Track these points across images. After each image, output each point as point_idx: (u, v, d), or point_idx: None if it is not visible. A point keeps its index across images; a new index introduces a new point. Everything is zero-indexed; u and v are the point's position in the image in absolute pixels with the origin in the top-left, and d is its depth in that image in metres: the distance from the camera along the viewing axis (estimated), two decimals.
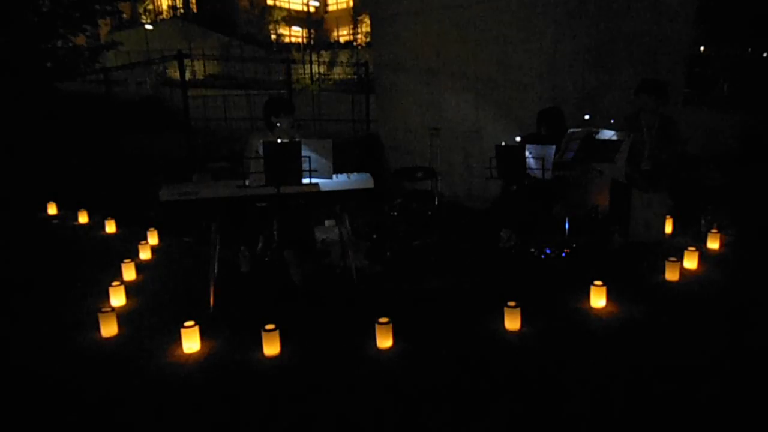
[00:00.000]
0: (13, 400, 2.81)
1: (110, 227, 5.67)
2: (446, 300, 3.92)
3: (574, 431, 2.50)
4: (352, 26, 33.86)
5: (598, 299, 3.62)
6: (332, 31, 36.66)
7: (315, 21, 36.31)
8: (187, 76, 9.83)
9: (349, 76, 19.78)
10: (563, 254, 4.58)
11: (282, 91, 11.40)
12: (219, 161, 6.49)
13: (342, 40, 34.16)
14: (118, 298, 3.87)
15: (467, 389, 2.78)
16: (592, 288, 3.63)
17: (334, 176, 3.77)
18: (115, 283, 3.90)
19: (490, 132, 6.47)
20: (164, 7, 34.66)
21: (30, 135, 7.76)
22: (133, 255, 4.72)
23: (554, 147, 4.27)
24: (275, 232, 3.98)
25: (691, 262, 4.25)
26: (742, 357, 3.02)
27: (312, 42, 33.47)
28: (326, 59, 24.51)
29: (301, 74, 19.15)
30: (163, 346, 3.22)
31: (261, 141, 3.48)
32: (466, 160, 6.93)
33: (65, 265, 4.82)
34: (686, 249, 4.29)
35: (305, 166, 3.49)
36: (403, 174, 5.89)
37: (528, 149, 4.36)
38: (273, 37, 33.25)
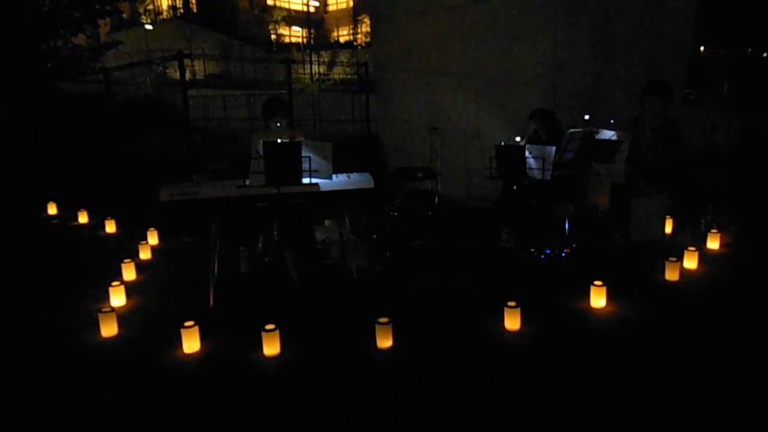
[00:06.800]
0: (13, 401, 2.80)
1: (110, 227, 5.68)
2: (446, 300, 3.91)
3: (574, 431, 2.50)
4: (352, 26, 33.82)
5: (598, 299, 3.62)
6: (332, 31, 36.61)
7: (315, 21, 36.29)
8: (187, 76, 9.82)
9: (349, 76, 19.75)
10: (563, 254, 4.59)
11: (282, 92, 11.41)
12: (219, 161, 6.50)
13: (342, 40, 34.09)
14: (118, 298, 3.87)
15: (467, 389, 2.78)
16: (592, 288, 3.63)
17: (334, 176, 3.77)
18: (115, 283, 3.90)
19: (490, 132, 6.47)
20: (164, 7, 34.59)
21: (30, 135, 7.77)
22: (133, 255, 4.73)
23: (554, 147, 4.27)
24: (275, 232, 3.98)
25: (691, 262, 4.24)
26: (743, 357, 3.02)
27: (312, 42, 33.46)
28: (326, 59, 24.51)
29: (301, 74, 19.16)
30: (163, 346, 3.22)
31: (261, 141, 3.48)
32: (466, 160, 6.94)
33: (65, 265, 4.82)
34: (686, 249, 4.28)
35: (305, 166, 3.49)
36: (403, 174, 5.89)
37: (528, 149, 4.36)
38: (273, 37, 33.23)
